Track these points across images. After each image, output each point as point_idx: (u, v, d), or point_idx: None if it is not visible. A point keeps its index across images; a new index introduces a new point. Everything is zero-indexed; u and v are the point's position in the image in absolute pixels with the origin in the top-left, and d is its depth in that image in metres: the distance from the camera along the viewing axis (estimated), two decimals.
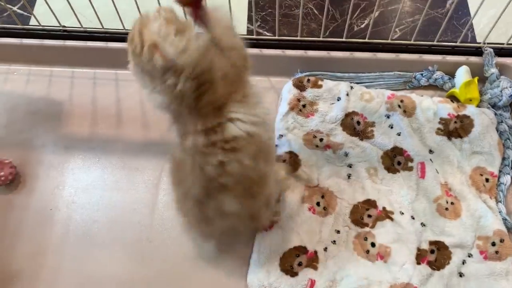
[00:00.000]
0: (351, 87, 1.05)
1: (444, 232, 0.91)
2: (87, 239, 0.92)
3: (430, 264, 0.89)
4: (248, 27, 1.18)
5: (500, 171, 0.97)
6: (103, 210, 0.94)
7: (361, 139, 1.00)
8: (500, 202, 0.94)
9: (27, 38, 1.09)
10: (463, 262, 0.89)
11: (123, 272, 0.89)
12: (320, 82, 1.06)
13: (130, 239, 0.92)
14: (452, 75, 1.06)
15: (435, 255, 0.89)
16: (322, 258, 0.89)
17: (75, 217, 0.94)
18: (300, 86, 1.06)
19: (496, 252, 0.88)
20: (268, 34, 1.16)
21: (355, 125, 1.01)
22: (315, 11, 1.20)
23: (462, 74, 1.03)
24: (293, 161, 0.98)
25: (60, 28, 1.08)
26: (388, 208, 0.94)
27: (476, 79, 1.01)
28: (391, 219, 0.93)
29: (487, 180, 0.96)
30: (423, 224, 0.92)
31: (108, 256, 0.90)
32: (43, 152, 1.01)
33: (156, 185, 0.97)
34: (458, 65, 1.04)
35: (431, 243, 0.90)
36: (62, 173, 0.99)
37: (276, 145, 1.00)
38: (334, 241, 0.91)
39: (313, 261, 0.89)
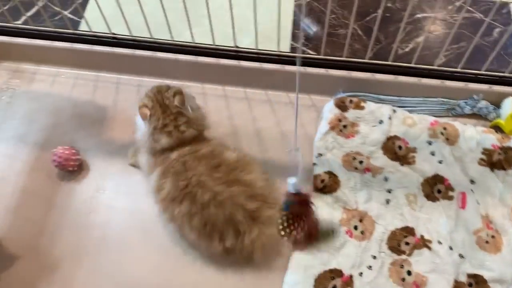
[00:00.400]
0: (394, 111, 1.04)
1: (484, 266, 0.89)
2: (124, 243, 0.93)
3: None
4: (292, 44, 1.18)
5: None
6: (141, 216, 0.95)
7: (402, 164, 0.99)
8: None
9: (77, 43, 1.12)
10: None
11: (157, 279, 0.89)
12: (362, 104, 1.06)
13: (166, 247, 0.92)
14: (497, 105, 1.04)
15: None
16: (357, 283, 0.88)
17: (113, 221, 0.95)
18: (342, 106, 1.06)
19: None
20: (311, 52, 1.16)
21: (397, 150, 1.01)
22: (359, 32, 1.20)
23: (509, 105, 1.01)
24: (332, 181, 0.98)
25: (110, 35, 1.10)
26: (426, 237, 0.92)
27: None
28: (429, 248, 0.91)
29: None
30: (461, 256, 0.90)
31: (143, 262, 0.91)
32: (85, 155, 1.03)
33: None
34: (504, 95, 1.03)
35: (469, 276, 0.88)
36: (103, 177, 1.00)
37: (314, 164, 1.00)
38: (370, 267, 0.90)
39: (347, 285, 0.88)
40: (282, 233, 0.83)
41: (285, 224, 0.83)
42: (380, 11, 0.94)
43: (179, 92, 0.89)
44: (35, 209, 0.97)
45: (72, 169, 0.99)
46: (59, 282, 0.89)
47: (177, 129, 0.89)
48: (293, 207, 0.83)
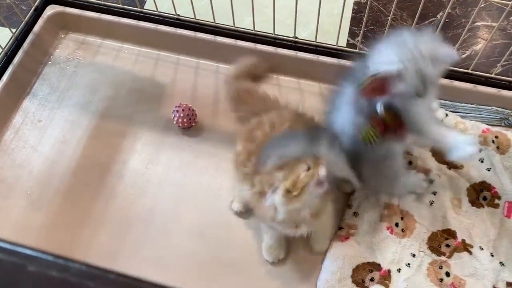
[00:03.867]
0: (446, 114, 1.05)
1: None
2: (172, 216, 0.97)
3: None
4: (348, 40, 1.20)
5: None
6: (191, 191, 1.00)
7: (449, 168, 1.00)
8: None
9: (142, 21, 1.16)
10: None
11: (200, 252, 0.93)
12: None
13: (211, 222, 0.96)
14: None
15: None
16: (395, 278, 0.90)
17: (164, 192, 1.00)
18: None
19: None
20: (366, 49, 1.18)
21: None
22: None
23: None
24: None
25: (175, 16, 1.15)
26: (467, 241, 0.93)
27: None
28: (470, 252, 0.92)
29: None
30: (502, 264, 0.91)
31: (189, 236, 0.95)
32: (142, 128, 1.08)
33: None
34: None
35: (508, 284, 0.89)
36: (157, 150, 1.05)
37: None
38: (408, 264, 0.91)
39: (385, 279, 0.90)
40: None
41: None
42: (445, 13, 0.94)
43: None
44: (92, 174, 1.02)
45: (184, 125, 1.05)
46: (108, 244, 0.94)
47: None
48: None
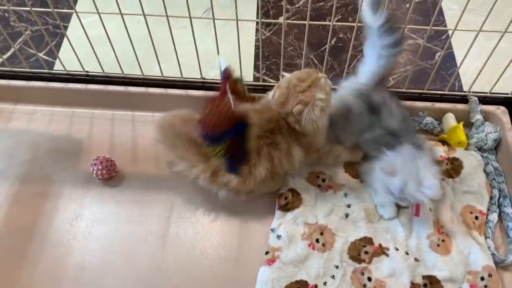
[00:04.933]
0: None
1: (436, 267, 0.97)
2: (103, 268, 0.98)
3: None
4: (254, 74, 1.28)
5: (488, 209, 1.04)
6: (118, 241, 1.01)
7: (361, 182, 1.08)
8: (489, 238, 1.00)
9: (52, 82, 1.19)
10: None
11: None
12: None
13: (143, 269, 0.98)
14: (441, 120, 1.15)
15: None
16: None
17: (91, 247, 1.01)
18: None
19: (485, 286, 0.94)
20: (272, 81, 1.26)
21: (356, 167, 1.10)
22: (315, 61, 1.31)
23: (448, 121, 1.12)
24: (295, 198, 1.05)
25: (83, 72, 1.18)
26: (384, 245, 1.00)
27: (461, 124, 1.10)
28: (387, 255, 0.99)
29: (476, 217, 1.03)
30: (416, 259, 0.98)
31: (122, 285, 0.96)
32: (63, 186, 1.08)
33: (168, 218, 1.04)
34: (446, 111, 1.14)
35: (424, 277, 0.96)
36: (80, 206, 1.06)
37: None
38: (333, 276, 0.97)
39: None
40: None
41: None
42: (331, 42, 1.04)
43: (304, 103, 0.93)
44: (15, 240, 1.01)
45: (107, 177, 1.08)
46: None
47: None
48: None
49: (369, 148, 1.04)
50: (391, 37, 0.94)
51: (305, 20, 0.99)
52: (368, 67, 1.03)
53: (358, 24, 0.99)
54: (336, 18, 1.40)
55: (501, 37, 0.98)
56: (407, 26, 0.99)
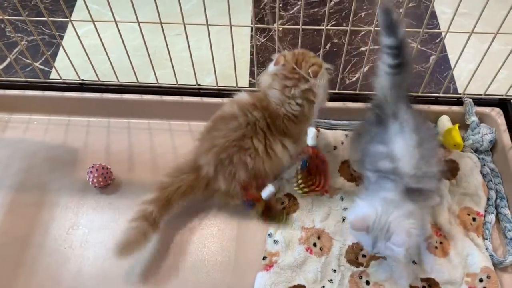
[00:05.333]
0: (346, 135, 1.14)
1: (435, 269, 0.96)
2: (99, 276, 0.97)
3: None
4: (250, 80, 1.29)
5: (485, 211, 1.04)
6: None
7: (357, 185, 1.08)
8: (487, 239, 1.00)
9: (48, 91, 1.19)
10: None
11: None
12: (316, 133, 1.15)
13: (140, 276, 0.97)
14: (437, 123, 1.15)
15: None
16: None
17: (88, 255, 1.00)
18: None
19: None
20: None
21: (352, 172, 1.09)
22: None
23: (443, 123, 1.12)
24: (292, 203, 1.05)
25: (79, 81, 1.19)
26: None
27: (456, 126, 1.10)
28: (384, 258, 0.99)
29: (474, 219, 1.02)
30: (414, 262, 0.98)
31: None
32: (59, 195, 1.08)
33: (164, 225, 1.03)
34: (441, 114, 1.14)
35: (423, 280, 0.96)
36: (77, 214, 1.06)
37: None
38: (331, 280, 0.96)
39: None
40: (305, 189, 1.00)
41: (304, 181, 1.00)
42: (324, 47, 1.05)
43: (318, 65, 0.95)
44: (11, 249, 1.00)
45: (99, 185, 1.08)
46: None
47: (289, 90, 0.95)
48: (312, 161, 1.00)
49: (366, 164, 0.96)
50: (396, 60, 0.90)
51: (299, 26, 1.00)
52: (379, 79, 0.96)
53: (351, 28, 1.00)
54: (330, 24, 1.40)
55: (493, 38, 0.98)
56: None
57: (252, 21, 1.12)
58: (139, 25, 1.01)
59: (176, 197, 1.00)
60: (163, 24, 1.00)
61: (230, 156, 0.96)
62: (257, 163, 0.97)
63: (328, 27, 1.19)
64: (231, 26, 1.00)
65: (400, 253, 0.81)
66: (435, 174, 0.90)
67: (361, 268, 0.98)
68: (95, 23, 1.02)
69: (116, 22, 1.01)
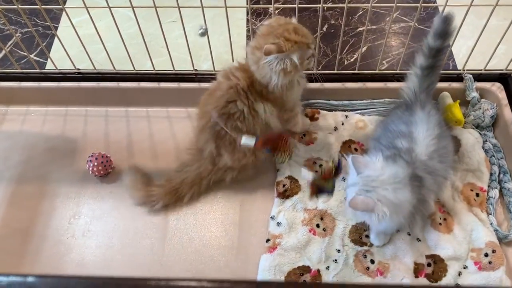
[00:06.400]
0: (346, 116, 1.13)
1: (439, 246, 0.96)
2: (103, 264, 0.97)
3: (427, 277, 0.93)
4: None
5: (488, 186, 1.03)
6: (117, 236, 1.00)
7: None
8: (491, 214, 0.99)
9: (44, 81, 1.18)
10: (459, 274, 0.93)
11: None
12: (316, 115, 1.15)
13: (143, 263, 0.97)
14: (437, 100, 1.14)
15: (432, 268, 0.94)
16: (325, 277, 0.94)
17: (90, 244, 1.00)
18: None
19: (490, 262, 0.93)
20: None
21: (353, 152, 1.09)
22: None
23: (444, 100, 1.11)
24: (293, 185, 1.05)
25: (75, 71, 1.17)
26: None
27: (457, 102, 1.09)
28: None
29: (477, 194, 1.02)
30: (418, 240, 0.97)
31: None
32: (60, 185, 1.08)
33: (166, 211, 1.03)
34: (442, 91, 1.13)
35: (428, 256, 0.95)
36: (78, 204, 1.05)
37: (278, 170, 1.08)
38: (336, 260, 0.96)
39: (316, 279, 0.94)
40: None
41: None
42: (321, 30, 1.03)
43: (279, 48, 0.87)
44: (13, 241, 1.00)
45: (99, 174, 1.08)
46: None
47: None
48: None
49: (382, 140, 0.96)
50: (429, 61, 0.94)
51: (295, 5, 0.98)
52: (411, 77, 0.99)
53: (348, 5, 0.98)
54: (327, 5, 1.39)
55: (492, 11, 0.97)
56: (398, 4, 0.98)
57: (247, 2, 1.10)
58: (133, 10, 0.99)
59: (184, 188, 1.02)
60: (158, 11, 0.99)
61: (225, 126, 0.96)
62: (248, 125, 0.96)
63: (325, 5, 1.17)
64: (226, 7, 0.99)
65: (346, 208, 0.82)
66: (443, 176, 0.91)
67: (366, 247, 0.97)
68: (89, 10, 1.00)
69: (109, 8, 1.00)
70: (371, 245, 0.97)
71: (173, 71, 1.16)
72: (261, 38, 0.91)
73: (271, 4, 1.12)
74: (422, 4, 0.97)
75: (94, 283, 0.34)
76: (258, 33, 0.93)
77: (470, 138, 1.08)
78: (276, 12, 1.38)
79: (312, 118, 1.14)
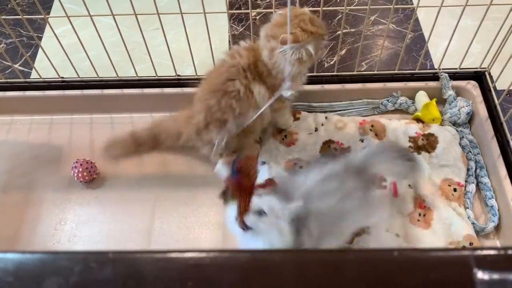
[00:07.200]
0: (326, 117, 1.16)
1: (419, 241, 0.98)
2: None
3: None
4: None
5: (466, 181, 1.06)
6: (103, 241, 1.01)
7: None
8: (468, 208, 1.02)
9: (29, 90, 1.19)
10: None
11: None
12: (298, 115, 1.17)
13: None
14: (414, 99, 1.17)
15: None
16: None
17: (76, 249, 1.01)
18: None
19: None
20: None
21: (333, 151, 1.11)
22: None
23: (420, 98, 1.14)
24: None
25: (59, 79, 1.19)
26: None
27: (434, 100, 1.12)
28: (367, 233, 1.00)
29: (455, 189, 1.04)
30: (397, 235, 0.99)
31: None
32: (45, 192, 1.09)
33: (152, 214, 1.04)
34: (419, 90, 1.16)
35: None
36: (63, 210, 1.06)
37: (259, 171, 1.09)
38: None
39: None
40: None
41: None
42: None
43: (295, 38, 0.89)
44: (0, 247, 1.01)
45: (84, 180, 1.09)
46: None
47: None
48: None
49: None
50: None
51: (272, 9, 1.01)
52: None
53: (323, 9, 1.01)
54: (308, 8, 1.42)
55: (462, 11, 1.00)
56: (371, 6, 1.01)
57: (227, 8, 1.13)
58: (114, 18, 1.01)
59: (163, 134, 1.06)
60: (139, 19, 1.01)
61: (218, 102, 0.97)
62: (242, 107, 0.98)
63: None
64: (205, 13, 1.01)
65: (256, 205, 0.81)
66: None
67: (346, 245, 0.99)
68: (71, 19, 1.02)
69: (91, 16, 1.02)
70: (351, 241, 0.99)
71: (156, 77, 1.18)
72: (276, 27, 0.93)
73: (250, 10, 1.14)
74: (395, 6, 1.00)
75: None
76: (272, 22, 0.96)
77: (447, 135, 1.10)
78: (257, 18, 1.40)
79: (294, 118, 1.17)
